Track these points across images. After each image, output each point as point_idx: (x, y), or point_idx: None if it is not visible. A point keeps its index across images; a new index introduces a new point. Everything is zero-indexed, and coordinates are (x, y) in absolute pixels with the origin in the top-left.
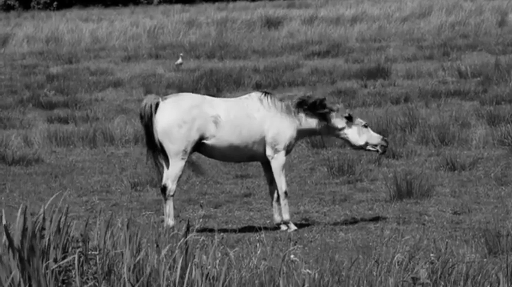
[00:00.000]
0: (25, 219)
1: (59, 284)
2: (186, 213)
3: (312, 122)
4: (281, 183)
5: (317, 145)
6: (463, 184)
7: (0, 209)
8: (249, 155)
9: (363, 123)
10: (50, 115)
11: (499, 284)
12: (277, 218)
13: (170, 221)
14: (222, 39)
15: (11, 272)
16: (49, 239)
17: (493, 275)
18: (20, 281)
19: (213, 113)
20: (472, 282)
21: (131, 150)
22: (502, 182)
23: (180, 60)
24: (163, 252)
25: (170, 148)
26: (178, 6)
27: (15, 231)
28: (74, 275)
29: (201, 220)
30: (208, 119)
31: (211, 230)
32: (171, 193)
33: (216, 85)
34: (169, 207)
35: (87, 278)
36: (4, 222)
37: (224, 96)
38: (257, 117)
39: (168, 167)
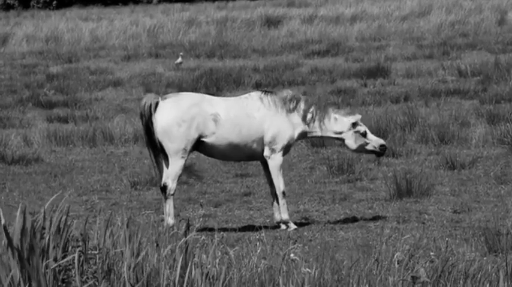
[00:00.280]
0: (24, 218)
1: (59, 283)
2: (186, 212)
3: (315, 127)
4: (279, 183)
5: (317, 144)
6: (463, 183)
7: (0, 208)
8: (249, 154)
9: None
10: (49, 114)
11: (498, 282)
12: (277, 217)
13: (170, 220)
14: (222, 39)
15: (10, 271)
16: (49, 239)
17: (493, 274)
18: (19, 280)
19: (212, 111)
20: (471, 281)
21: (131, 149)
22: (502, 180)
23: (180, 60)
24: (164, 251)
25: (170, 146)
26: (178, 5)
27: (15, 230)
28: (73, 275)
29: (201, 219)
30: (207, 117)
31: (211, 229)
32: (171, 192)
33: (216, 84)
34: (169, 206)
35: (87, 278)
36: (3, 221)
37: (224, 96)
38: (257, 117)
39: (167, 166)
